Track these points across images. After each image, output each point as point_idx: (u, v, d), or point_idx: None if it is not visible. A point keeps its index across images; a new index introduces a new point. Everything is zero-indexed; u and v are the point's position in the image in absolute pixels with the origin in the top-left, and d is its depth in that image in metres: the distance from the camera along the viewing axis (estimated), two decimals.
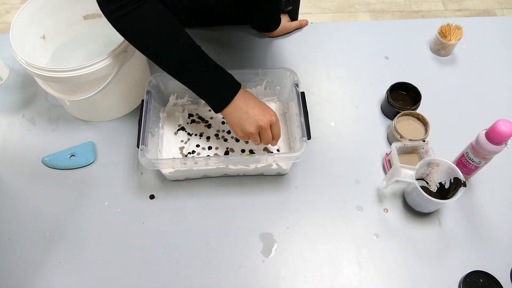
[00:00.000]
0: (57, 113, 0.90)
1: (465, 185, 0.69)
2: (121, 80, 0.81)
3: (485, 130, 0.68)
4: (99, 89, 0.77)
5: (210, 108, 0.87)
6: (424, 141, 0.80)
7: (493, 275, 0.69)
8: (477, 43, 1.01)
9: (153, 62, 0.69)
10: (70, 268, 0.72)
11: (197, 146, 0.83)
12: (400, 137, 0.80)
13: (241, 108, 0.70)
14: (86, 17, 0.92)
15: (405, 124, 0.83)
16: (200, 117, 0.87)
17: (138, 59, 0.84)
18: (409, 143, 0.79)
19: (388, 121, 0.88)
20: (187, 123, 0.86)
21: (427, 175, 0.78)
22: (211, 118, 0.87)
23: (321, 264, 0.72)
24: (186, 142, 0.84)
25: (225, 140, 0.84)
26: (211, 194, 0.79)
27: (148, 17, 0.63)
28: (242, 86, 0.72)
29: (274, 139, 0.75)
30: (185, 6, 0.94)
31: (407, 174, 0.71)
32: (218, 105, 0.71)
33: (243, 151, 0.82)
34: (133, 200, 0.79)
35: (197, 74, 0.69)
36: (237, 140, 0.84)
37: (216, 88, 0.70)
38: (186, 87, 0.71)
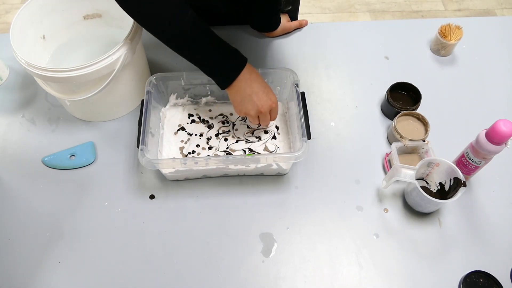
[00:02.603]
0: (57, 113, 0.90)
1: (465, 185, 0.69)
2: (121, 80, 0.81)
3: (485, 130, 0.68)
4: (99, 89, 0.77)
5: (210, 108, 0.88)
6: (424, 141, 0.80)
7: (493, 275, 0.69)
8: (477, 43, 1.01)
9: (157, 38, 0.67)
10: (70, 268, 0.72)
11: (197, 146, 0.83)
12: (400, 137, 0.80)
13: (245, 90, 0.72)
14: (86, 17, 0.92)
15: (405, 124, 0.83)
16: (200, 117, 0.87)
17: (138, 59, 0.84)
18: (409, 143, 0.79)
19: (388, 121, 0.88)
20: (187, 123, 0.86)
21: (427, 175, 0.78)
22: (211, 118, 0.87)
23: (321, 264, 0.72)
24: (186, 142, 0.84)
25: (225, 140, 0.84)
26: (211, 194, 0.79)
27: None
28: (248, 61, 0.73)
29: (272, 119, 0.79)
30: None
31: (407, 174, 0.71)
32: (224, 82, 0.72)
33: (244, 151, 0.82)
34: (133, 200, 0.79)
35: (203, 50, 0.69)
36: (237, 141, 0.84)
37: (221, 65, 0.71)
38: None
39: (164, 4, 0.64)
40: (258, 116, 0.76)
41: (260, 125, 0.83)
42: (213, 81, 0.83)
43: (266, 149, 0.83)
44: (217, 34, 0.70)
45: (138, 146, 0.73)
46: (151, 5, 0.63)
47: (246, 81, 0.72)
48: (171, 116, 0.87)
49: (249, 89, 0.72)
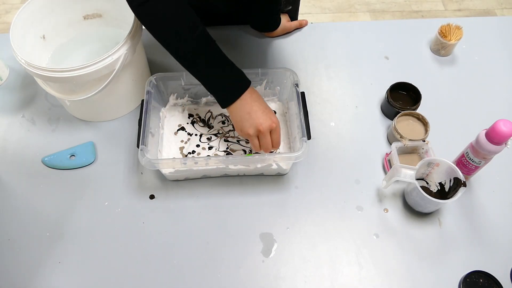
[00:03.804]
0: (57, 113, 0.90)
1: (465, 185, 0.69)
2: (121, 80, 0.81)
3: (485, 130, 0.68)
4: (99, 89, 0.77)
5: (210, 108, 0.88)
6: (424, 141, 0.80)
7: (493, 275, 0.69)
8: (477, 43, 1.01)
9: (168, 52, 0.69)
10: (70, 268, 0.72)
11: (197, 146, 0.83)
12: (400, 137, 0.80)
13: (245, 109, 0.71)
14: (86, 17, 0.92)
15: (405, 124, 0.83)
16: (200, 117, 0.87)
17: (138, 59, 0.84)
18: (409, 143, 0.79)
19: (388, 121, 0.88)
20: (187, 123, 0.86)
21: (427, 175, 0.78)
22: (211, 118, 0.87)
23: (321, 264, 0.72)
24: (186, 142, 0.84)
25: (225, 140, 0.84)
26: (211, 194, 0.79)
27: (166, 6, 0.65)
28: (251, 85, 0.72)
29: (274, 146, 0.74)
30: None
31: (407, 174, 0.71)
32: (225, 101, 0.72)
33: (244, 151, 0.82)
34: (133, 200, 0.79)
35: (208, 68, 0.70)
36: (237, 141, 0.84)
37: (224, 84, 0.71)
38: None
39: (177, 18, 0.65)
40: (258, 138, 0.73)
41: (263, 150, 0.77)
42: None
43: None
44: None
45: (138, 146, 0.73)
46: (164, 18, 0.65)
47: (246, 101, 0.71)
48: (171, 116, 0.87)
49: (249, 107, 0.71)
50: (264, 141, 0.72)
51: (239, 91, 0.71)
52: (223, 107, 0.72)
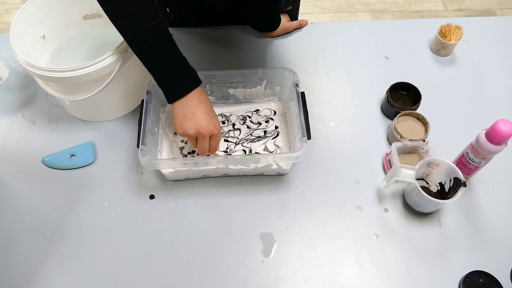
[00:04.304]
0: (57, 113, 0.90)
1: (465, 185, 0.69)
2: (121, 80, 0.81)
3: (485, 130, 0.68)
4: (99, 89, 0.77)
5: None
6: (424, 141, 0.80)
7: (493, 275, 0.69)
8: (477, 43, 1.01)
9: (120, 34, 0.68)
10: (70, 268, 0.72)
11: None
12: (400, 137, 0.80)
13: (190, 107, 0.70)
14: (86, 17, 0.92)
15: (405, 124, 0.83)
16: None
17: (138, 59, 0.84)
18: (409, 143, 0.79)
19: (388, 121, 0.88)
20: None
21: (427, 175, 0.78)
22: None
23: (321, 264, 0.72)
24: (186, 142, 0.84)
25: (225, 140, 0.84)
26: (211, 194, 0.79)
27: None
28: (201, 85, 0.71)
29: (210, 151, 0.74)
30: (185, 3, 0.94)
31: (407, 174, 0.71)
32: (172, 95, 0.70)
33: (244, 151, 0.82)
34: (133, 200, 0.79)
35: (160, 60, 0.68)
36: (237, 141, 0.84)
37: (174, 79, 0.70)
38: None
39: (136, 3, 0.64)
40: (197, 139, 0.72)
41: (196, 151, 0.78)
42: (213, 81, 0.84)
43: (266, 149, 0.83)
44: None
45: (138, 146, 0.73)
46: (125, 2, 0.64)
47: (193, 100, 0.70)
48: (171, 116, 0.87)
49: (194, 107, 0.70)
50: (202, 144, 0.72)
51: (188, 88, 0.69)
52: (169, 101, 0.71)
